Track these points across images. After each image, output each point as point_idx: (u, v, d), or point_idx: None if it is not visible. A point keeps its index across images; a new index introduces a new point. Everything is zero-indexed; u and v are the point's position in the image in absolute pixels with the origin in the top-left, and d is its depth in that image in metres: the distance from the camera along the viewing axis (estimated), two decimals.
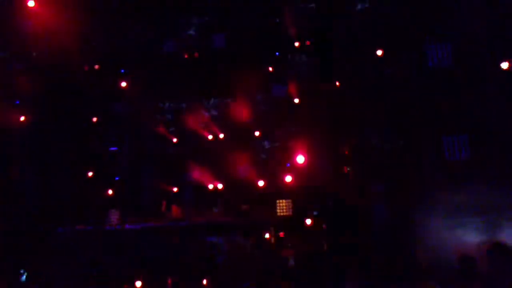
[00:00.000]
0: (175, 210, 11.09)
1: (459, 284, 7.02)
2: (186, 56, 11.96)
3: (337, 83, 11.16)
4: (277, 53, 11.70)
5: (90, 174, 11.45)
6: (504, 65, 9.51)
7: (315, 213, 9.97)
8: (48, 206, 11.11)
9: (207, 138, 11.42)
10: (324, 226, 9.83)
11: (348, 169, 10.81)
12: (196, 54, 11.93)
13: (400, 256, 8.99)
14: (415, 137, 10.20)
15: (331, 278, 9.49)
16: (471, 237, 8.52)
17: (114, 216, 10.82)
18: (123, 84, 11.69)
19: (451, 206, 8.90)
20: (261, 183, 10.82)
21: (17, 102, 11.62)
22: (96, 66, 11.67)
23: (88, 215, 11.01)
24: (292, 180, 10.63)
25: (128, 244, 10.35)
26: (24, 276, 10.01)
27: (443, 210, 8.93)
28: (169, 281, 9.90)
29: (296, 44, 11.48)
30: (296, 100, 11.09)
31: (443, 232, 8.77)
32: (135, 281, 9.71)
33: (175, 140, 11.70)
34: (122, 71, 11.81)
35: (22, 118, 11.62)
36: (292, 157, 10.80)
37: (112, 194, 11.46)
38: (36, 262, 10.19)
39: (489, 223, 8.69)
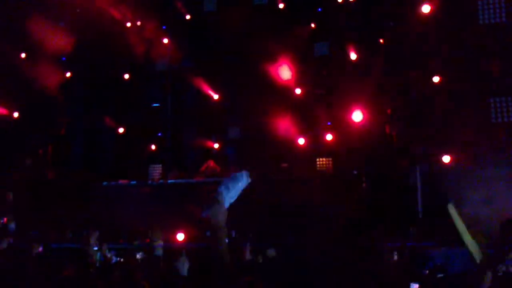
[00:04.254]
0: (214, 166, 11.17)
1: None
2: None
3: (381, 41, 10.86)
4: (319, 9, 11.46)
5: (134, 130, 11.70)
6: None
7: (355, 172, 9.84)
8: (93, 161, 11.43)
9: (249, 95, 11.42)
10: (364, 185, 9.71)
11: (390, 129, 10.61)
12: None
13: None
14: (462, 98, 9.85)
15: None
16: None
17: (156, 171, 11.02)
18: (165, 40, 11.74)
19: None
20: (301, 141, 10.80)
21: (63, 59, 11.85)
22: (138, 22, 11.72)
23: (132, 170, 11.25)
24: (332, 139, 10.56)
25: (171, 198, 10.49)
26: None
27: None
28: None
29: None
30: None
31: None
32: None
33: (216, 97, 11.76)
34: (164, 27, 11.85)
35: (68, 75, 11.88)
36: (333, 116, 10.71)
37: (154, 150, 11.73)
38: (82, 216, 10.46)
39: None
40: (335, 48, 11.02)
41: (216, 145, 11.42)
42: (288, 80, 10.97)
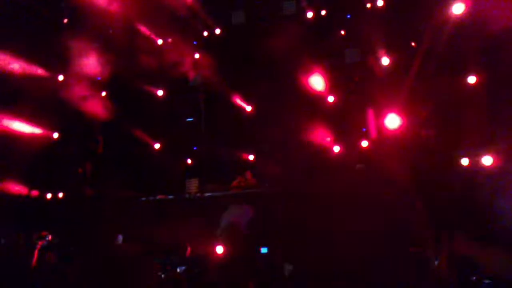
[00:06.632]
0: (250, 178, 11.17)
1: None
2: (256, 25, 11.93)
3: (413, 44, 10.70)
4: (348, 16, 11.41)
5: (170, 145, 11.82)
6: None
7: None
8: (131, 176, 11.59)
9: (281, 106, 11.39)
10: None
11: (426, 133, 10.38)
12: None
13: None
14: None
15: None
16: None
17: (193, 185, 11.12)
18: (197, 55, 11.87)
19: None
20: (336, 149, 10.70)
21: (98, 78, 12.10)
22: (169, 39, 11.89)
23: (168, 185, 11.37)
24: (368, 145, 10.41)
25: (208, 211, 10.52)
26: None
27: None
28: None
29: (368, 5, 11.11)
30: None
31: None
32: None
33: (249, 108, 11.78)
34: (195, 42, 12.00)
35: (103, 94, 12.12)
36: (368, 122, 10.56)
37: (191, 164, 11.83)
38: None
39: None
40: (366, 54, 10.91)
41: (251, 157, 11.41)
42: (320, 89, 10.91)
